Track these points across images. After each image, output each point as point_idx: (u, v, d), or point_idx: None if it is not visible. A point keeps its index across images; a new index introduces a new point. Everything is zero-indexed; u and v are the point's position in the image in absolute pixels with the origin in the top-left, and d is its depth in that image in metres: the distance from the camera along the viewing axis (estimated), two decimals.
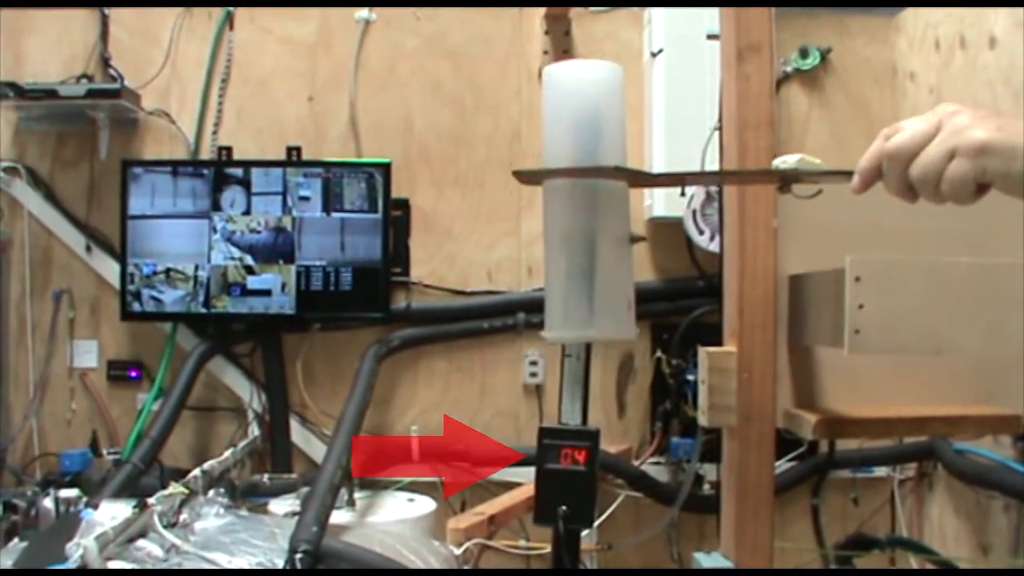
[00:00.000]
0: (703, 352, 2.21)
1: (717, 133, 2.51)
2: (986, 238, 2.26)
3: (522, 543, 4.06)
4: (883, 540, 3.33)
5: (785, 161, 1.63)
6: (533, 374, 4.25)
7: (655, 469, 4.15)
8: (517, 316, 4.22)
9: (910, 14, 4.38)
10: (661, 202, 3.96)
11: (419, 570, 2.82)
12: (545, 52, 4.29)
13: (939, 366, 2.26)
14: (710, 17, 3.94)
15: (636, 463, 4.15)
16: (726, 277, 2.28)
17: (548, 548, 3.95)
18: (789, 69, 4.37)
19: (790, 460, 4.21)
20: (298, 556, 2.66)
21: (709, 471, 4.08)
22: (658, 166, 3.91)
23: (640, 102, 4.19)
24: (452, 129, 4.29)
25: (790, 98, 4.40)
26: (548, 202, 2.13)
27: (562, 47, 4.29)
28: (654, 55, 4.08)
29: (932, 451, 4.06)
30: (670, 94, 3.97)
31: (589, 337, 2.15)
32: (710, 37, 3.94)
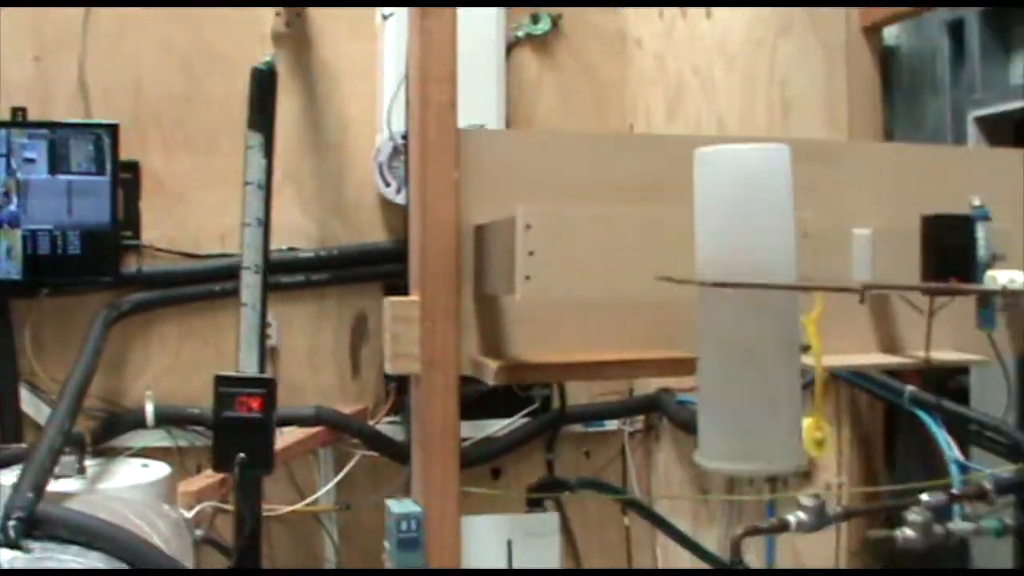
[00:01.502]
0: (387, 301, 2.25)
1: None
2: (662, 187, 2.36)
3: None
4: (572, 482, 3.45)
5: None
6: (267, 336, 4.23)
7: (391, 428, 4.19)
8: None
9: None
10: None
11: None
12: (278, 14, 4.26)
13: (621, 314, 2.34)
14: None
15: (372, 423, 4.18)
16: (411, 228, 2.33)
17: (286, 508, 4.02)
18: (520, 34, 4.44)
19: (524, 416, 4.31)
20: (11, 524, 2.59)
21: None
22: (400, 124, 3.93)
23: (373, 63, 4.21)
24: (184, 91, 4.22)
25: (521, 63, 4.47)
26: (710, 309, 1.94)
27: (295, 9, 4.27)
28: (385, 18, 4.11)
29: (657, 404, 4.21)
30: (399, 57, 3.99)
31: (755, 472, 2.05)
32: None
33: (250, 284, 2.18)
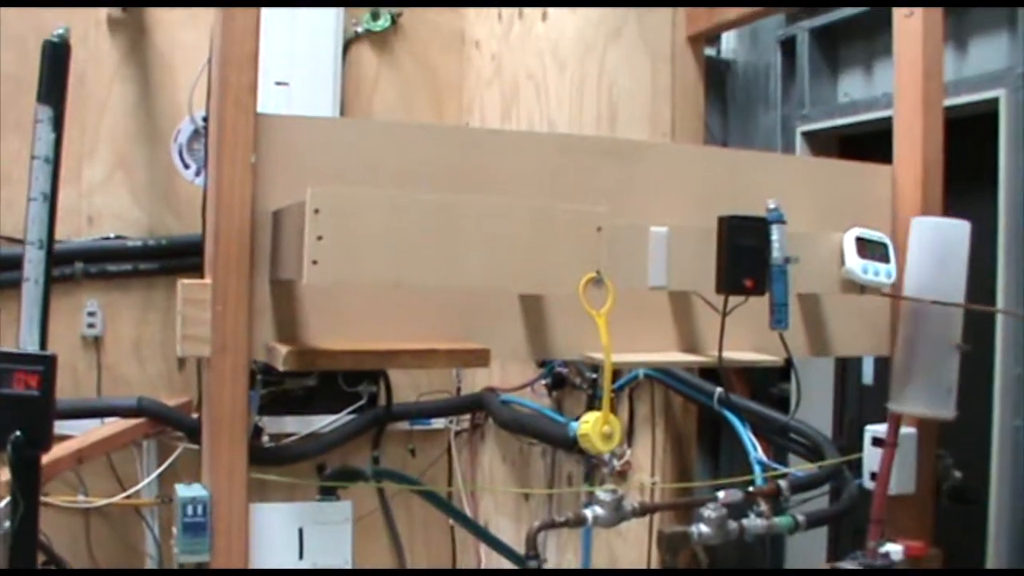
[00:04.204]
0: (180, 284, 2.23)
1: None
2: (463, 177, 2.38)
3: (81, 498, 4.00)
4: (367, 472, 3.46)
5: None
6: (91, 325, 4.17)
7: None
8: (75, 266, 4.13)
9: None
10: None
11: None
12: None
13: (416, 303, 2.35)
14: None
15: (195, 415, 4.13)
16: (207, 211, 2.31)
17: (104, 501, 3.96)
18: (360, 29, 4.45)
19: (351, 412, 4.31)
20: None
21: (271, 424, 4.15)
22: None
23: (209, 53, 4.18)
24: (14, 72, 4.12)
25: (360, 58, 4.48)
26: (908, 319, 2.69)
27: None
28: None
29: (482, 403, 4.24)
30: None
31: (944, 416, 2.65)
32: None
33: (33, 259, 2.13)
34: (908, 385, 2.66)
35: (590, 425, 2.20)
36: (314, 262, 1.97)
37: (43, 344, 2.08)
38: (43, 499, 3.24)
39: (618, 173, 2.57)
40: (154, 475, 4.05)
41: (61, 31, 2.19)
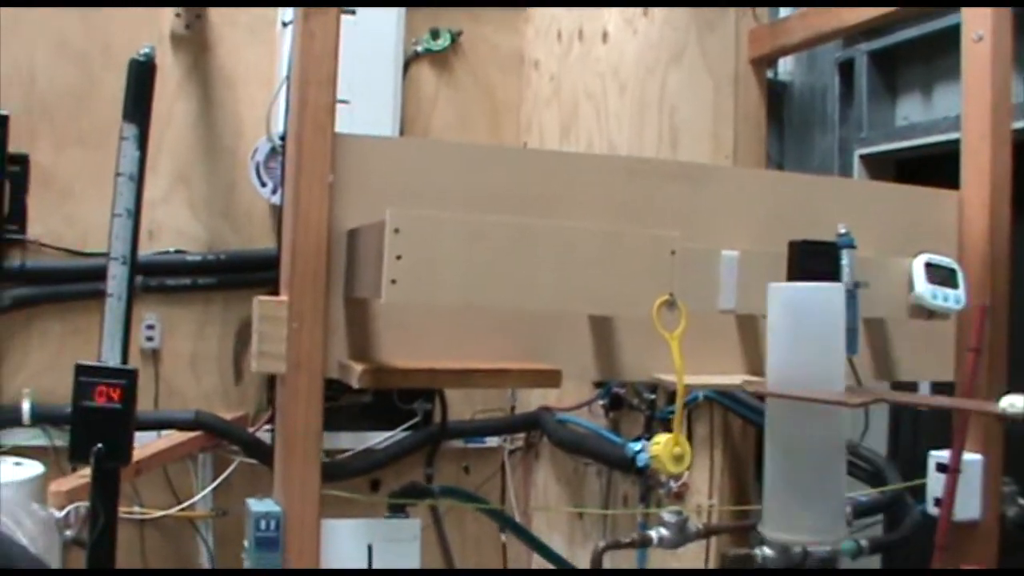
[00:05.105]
0: (256, 300, 2.25)
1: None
2: (536, 201, 2.40)
3: (136, 508, 4.03)
4: (436, 489, 3.47)
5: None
6: (150, 338, 4.21)
7: (270, 436, 4.15)
8: (136, 279, 4.16)
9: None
10: None
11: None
12: (178, 15, 4.25)
13: (489, 324, 2.36)
14: None
15: (252, 429, 4.17)
16: (284, 229, 2.33)
17: (161, 512, 3.99)
18: (420, 49, 4.48)
19: (405, 430, 4.33)
20: None
21: (326, 439, 4.15)
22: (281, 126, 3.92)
23: (272, 70, 4.22)
24: (77, 87, 4.19)
25: (419, 77, 4.51)
26: (774, 411, 2.28)
27: (195, 12, 4.26)
28: (285, 25, 4.11)
29: (537, 422, 4.25)
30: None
31: (806, 542, 2.27)
32: None
33: (117, 275, 2.18)
34: (784, 505, 2.28)
35: (661, 446, 2.21)
36: (393, 281, 1.99)
37: (124, 358, 2.11)
38: None
39: (685, 196, 2.58)
40: (209, 488, 4.08)
41: (147, 50, 2.24)
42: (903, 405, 2.50)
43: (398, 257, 1.99)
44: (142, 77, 2.24)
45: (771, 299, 2.26)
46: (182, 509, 4.07)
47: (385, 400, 4.32)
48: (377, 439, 4.32)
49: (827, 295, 2.23)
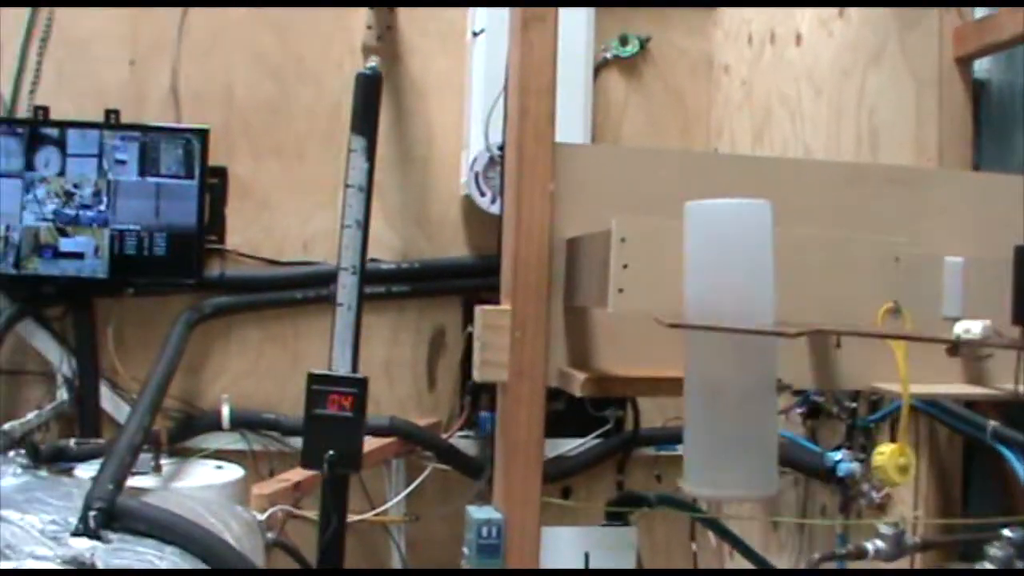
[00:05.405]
0: (479, 310, 2.27)
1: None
2: None
3: None
4: (651, 497, 3.44)
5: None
6: None
7: (464, 443, 4.21)
8: (331, 287, 4.21)
9: (728, 8, 4.51)
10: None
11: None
12: (369, 27, 4.31)
13: None
14: None
15: (445, 436, 4.20)
16: (504, 238, 2.35)
17: (356, 517, 4.05)
18: (609, 55, 4.47)
19: (596, 437, 4.32)
20: (92, 514, 2.64)
21: None
22: (475, 141, 3.95)
23: (462, 79, 4.25)
24: (273, 99, 4.28)
25: (609, 84, 4.50)
26: (694, 347, 2.03)
27: (386, 23, 4.32)
28: (475, 34, 4.13)
29: None
30: (489, 72, 4.02)
31: (735, 497, 2.19)
32: None
33: (347, 285, 2.22)
34: (708, 456, 2.08)
35: (885, 457, 2.17)
36: (620, 290, 1.99)
37: (355, 367, 2.14)
38: (296, 511, 3.36)
39: (903, 201, 2.53)
40: (403, 494, 4.12)
41: (373, 64, 2.27)
42: (844, 335, 2.25)
43: (624, 266, 1.99)
44: (368, 90, 2.28)
45: (688, 219, 1.98)
46: (376, 514, 4.10)
47: (578, 407, 4.31)
48: (569, 446, 4.32)
49: (753, 211, 1.96)
